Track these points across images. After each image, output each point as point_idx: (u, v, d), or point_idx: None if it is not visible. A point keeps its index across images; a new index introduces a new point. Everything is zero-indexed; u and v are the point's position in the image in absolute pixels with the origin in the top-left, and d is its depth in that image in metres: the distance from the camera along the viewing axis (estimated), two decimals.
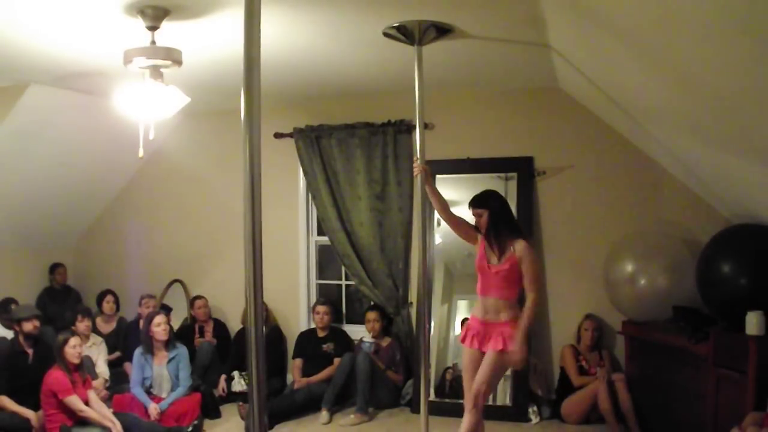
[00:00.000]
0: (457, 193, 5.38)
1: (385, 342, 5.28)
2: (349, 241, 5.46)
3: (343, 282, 5.84)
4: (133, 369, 4.83)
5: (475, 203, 3.60)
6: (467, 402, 3.48)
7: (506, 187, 5.14)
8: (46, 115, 4.88)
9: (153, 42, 3.18)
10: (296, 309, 5.80)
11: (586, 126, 4.97)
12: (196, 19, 3.26)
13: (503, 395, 4.91)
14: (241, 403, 4.92)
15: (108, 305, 5.75)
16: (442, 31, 3.44)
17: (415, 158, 3.80)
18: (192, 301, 5.81)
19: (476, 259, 3.59)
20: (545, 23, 3.36)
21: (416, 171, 3.68)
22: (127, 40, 3.33)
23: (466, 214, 3.68)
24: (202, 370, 5.23)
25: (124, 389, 4.85)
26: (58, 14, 3.14)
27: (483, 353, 3.47)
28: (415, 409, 4.82)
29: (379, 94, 5.26)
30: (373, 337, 5.29)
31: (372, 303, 5.46)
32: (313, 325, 5.54)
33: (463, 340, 3.61)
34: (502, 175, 5.16)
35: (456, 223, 3.71)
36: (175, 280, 6.11)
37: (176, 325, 5.68)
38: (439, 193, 3.68)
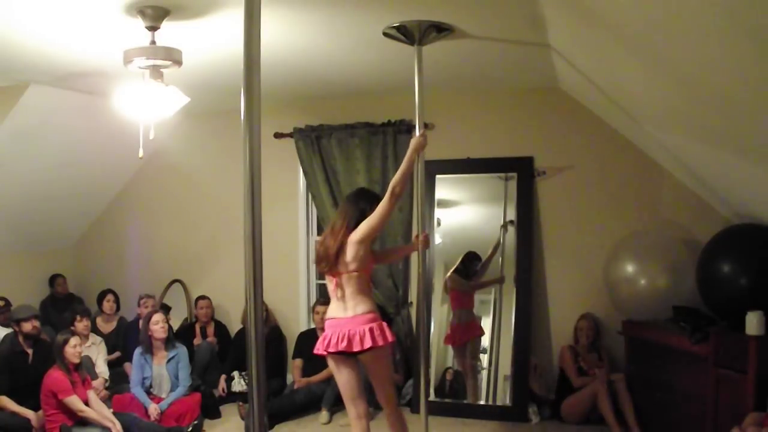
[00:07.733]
0: (457, 193, 5.39)
1: None
2: None
3: None
4: (132, 369, 4.83)
5: None
6: None
7: (506, 187, 5.14)
8: (46, 115, 4.88)
9: (153, 42, 3.18)
10: (296, 309, 5.80)
11: (586, 126, 4.97)
12: (196, 19, 3.25)
13: (503, 395, 4.91)
14: (241, 403, 4.92)
15: (108, 305, 5.75)
16: (442, 31, 3.44)
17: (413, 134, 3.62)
18: (196, 301, 5.81)
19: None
20: (545, 23, 3.35)
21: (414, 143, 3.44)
22: (127, 40, 3.33)
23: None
24: (202, 370, 5.23)
25: (124, 389, 4.85)
26: (58, 14, 3.13)
27: None
28: (415, 409, 4.82)
29: (379, 94, 5.26)
30: None
31: None
32: (313, 325, 5.53)
33: None
34: (502, 175, 5.16)
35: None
36: (175, 280, 6.11)
37: (176, 325, 5.68)
38: (410, 167, 3.38)
